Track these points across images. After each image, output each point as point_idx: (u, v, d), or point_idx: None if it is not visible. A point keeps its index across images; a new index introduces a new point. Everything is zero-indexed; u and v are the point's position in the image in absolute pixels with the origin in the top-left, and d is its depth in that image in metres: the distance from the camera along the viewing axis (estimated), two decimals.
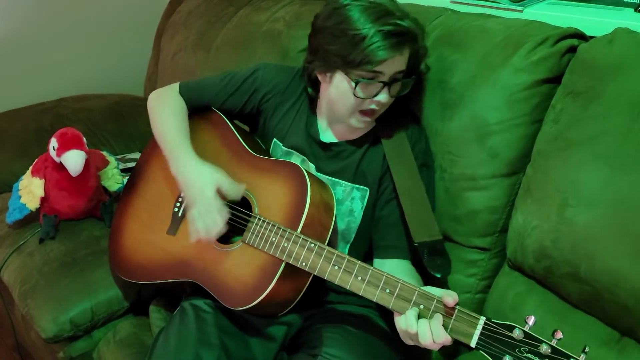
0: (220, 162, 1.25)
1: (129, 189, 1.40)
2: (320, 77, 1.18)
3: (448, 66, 1.24)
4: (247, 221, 1.14)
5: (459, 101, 1.21)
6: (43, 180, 1.51)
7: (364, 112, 1.14)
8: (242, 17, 1.82)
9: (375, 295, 0.97)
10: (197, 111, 1.33)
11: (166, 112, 1.30)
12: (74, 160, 1.44)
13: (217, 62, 1.76)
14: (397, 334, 0.97)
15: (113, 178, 1.64)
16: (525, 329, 0.85)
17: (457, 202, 1.22)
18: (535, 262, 1.11)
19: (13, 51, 2.18)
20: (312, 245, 1.05)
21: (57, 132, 1.48)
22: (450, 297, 0.90)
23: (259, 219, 1.12)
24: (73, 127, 1.51)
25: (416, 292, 0.94)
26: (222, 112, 1.32)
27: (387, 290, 0.96)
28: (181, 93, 1.33)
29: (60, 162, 1.47)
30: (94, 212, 1.62)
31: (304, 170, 1.14)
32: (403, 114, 1.24)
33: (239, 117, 1.34)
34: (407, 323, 0.91)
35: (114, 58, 2.44)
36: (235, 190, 1.15)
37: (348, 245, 1.24)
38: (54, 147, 1.47)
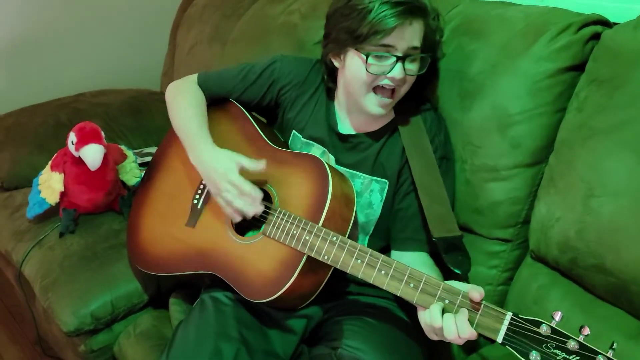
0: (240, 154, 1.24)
1: (146, 181, 1.40)
2: (335, 62, 1.18)
3: (467, 56, 1.22)
4: (267, 214, 1.14)
5: (478, 91, 1.19)
6: (62, 175, 1.52)
7: (381, 91, 1.12)
8: (257, 9, 1.82)
9: (399, 289, 0.96)
10: (216, 103, 1.33)
11: (185, 102, 1.30)
12: (92, 154, 1.45)
13: (233, 56, 1.76)
14: (418, 325, 0.96)
15: (131, 172, 1.65)
16: (552, 324, 0.83)
17: (478, 194, 1.21)
18: (560, 254, 1.09)
19: (31, 48, 2.19)
20: (335, 238, 1.04)
21: (76, 126, 1.49)
22: (476, 291, 0.88)
23: (280, 212, 1.11)
24: (90, 122, 1.51)
25: (441, 286, 0.93)
26: (241, 103, 1.32)
27: (412, 285, 0.95)
28: (199, 84, 1.32)
29: (79, 157, 1.48)
30: (112, 206, 1.62)
31: (325, 163, 1.13)
32: (421, 105, 1.23)
33: (257, 108, 1.34)
34: (432, 318, 0.90)
35: (130, 53, 2.45)
36: (256, 166, 1.14)
37: (367, 237, 1.24)
38: (72, 142, 1.47)
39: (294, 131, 1.28)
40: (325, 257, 1.04)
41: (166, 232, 1.29)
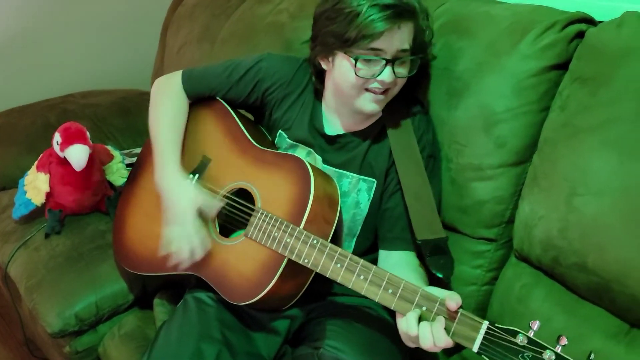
0: (223, 153, 1.24)
1: (132, 181, 1.39)
2: (323, 64, 1.16)
3: (454, 54, 1.21)
4: (250, 215, 1.13)
5: (464, 89, 1.18)
6: (48, 175, 1.51)
7: (372, 90, 1.10)
8: (246, 9, 1.81)
9: (377, 295, 0.95)
10: (201, 100, 1.32)
11: (164, 107, 1.29)
12: (77, 155, 1.44)
13: (222, 55, 1.74)
14: None
15: (118, 172, 1.64)
16: (529, 334, 0.82)
17: (463, 193, 1.20)
18: (542, 253, 1.09)
19: (20, 48, 2.18)
20: (315, 242, 1.03)
21: (61, 126, 1.48)
22: (453, 301, 0.87)
23: (262, 213, 1.10)
24: (77, 122, 1.50)
25: (419, 293, 0.91)
26: (226, 101, 1.30)
27: (390, 291, 0.94)
28: (184, 82, 1.31)
29: (65, 157, 1.47)
30: (99, 207, 1.62)
31: (307, 164, 1.12)
32: (410, 103, 1.22)
33: (244, 106, 1.32)
34: (408, 325, 0.89)
35: (120, 53, 2.43)
36: (211, 208, 1.16)
37: (354, 239, 1.23)
38: (57, 142, 1.46)
39: (280, 131, 1.27)
40: (306, 261, 1.03)
41: (151, 232, 1.28)
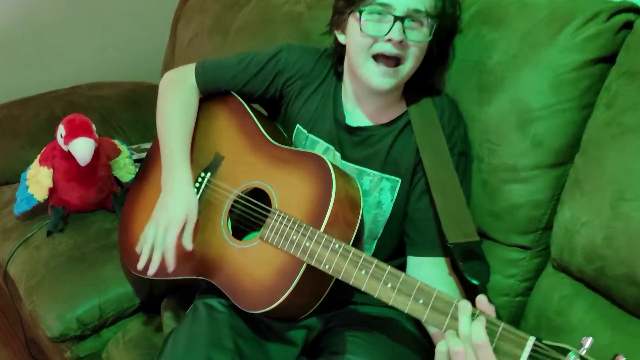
0: (237, 151, 1.19)
1: (140, 177, 1.34)
2: (340, 37, 1.12)
3: (486, 46, 1.14)
4: (266, 216, 1.07)
5: (497, 84, 1.11)
6: (51, 170, 1.47)
7: (383, 60, 1.04)
8: None
9: (407, 305, 0.87)
10: (214, 94, 1.27)
11: (174, 102, 1.24)
12: (82, 149, 1.39)
13: (235, 47, 1.68)
14: (427, 338, 0.90)
15: (125, 168, 1.59)
16: (581, 352, 0.74)
17: (495, 196, 1.12)
18: (585, 262, 1.01)
19: (25, 38, 2.15)
20: (337, 246, 0.96)
21: (65, 118, 1.44)
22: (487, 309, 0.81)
23: (279, 215, 1.04)
24: (82, 114, 1.46)
25: (454, 304, 0.83)
26: (241, 96, 1.24)
27: (421, 301, 0.86)
28: (197, 75, 1.26)
29: (69, 151, 1.42)
30: (104, 204, 1.57)
31: (328, 163, 1.06)
32: (437, 97, 1.15)
33: (259, 101, 1.27)
34: (450, 344, 0.81)
35: (129, 45, 2.40)
36: (186, 243, 1.12)
37: (375, 242, 1.16)
38: (61, 135, 1.42)
39: (298, 125, 1.21)
40: (327, 267, 0.96)
41: None
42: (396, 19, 1.00)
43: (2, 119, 1.85)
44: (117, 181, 1.59)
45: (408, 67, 1.06)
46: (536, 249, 1.13)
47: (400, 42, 1.01)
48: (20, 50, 2.16)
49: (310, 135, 1.19)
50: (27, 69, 2.17)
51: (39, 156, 1.52)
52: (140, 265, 1.13)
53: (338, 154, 1.16)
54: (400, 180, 1.12)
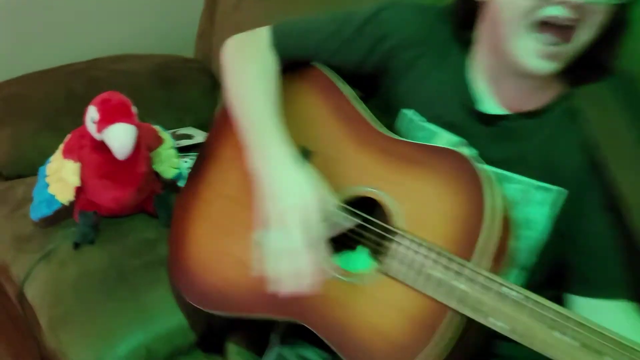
0: (333, 145, 1.01)
1: (196, 177, 1.17)
2: None
3: None
4: (384, 237, 0.89)
5: None
6: (79, 164, 1.27)
7: (546, 30, 0.82)
8: None
9: None
10: (293, 67, 1.09)
11: (251, 72, 1.06)
12: (121, 138, 1.19)
13: (305, 8, 1.46)
14: None
15: (168, 161, 1.39)
16: None
17: None
18: None
19: (38, 5, 1.98)
20: (507, 289, 0.76)
21: (97, 98, 1.22)
22: None
23: (408, 239, 0.86)
24: (118, 92, 1.24)
25: None
26: (330, 68, 1.07)
27: None
28: (275, 39, 1.10)
29: (102, 140, 1.22)
30: (145, 207, 1.37)
31: (474, 163, 0.86)
32: (610, 74, 0.91)
33: (352, 77, 1.08)
34: None
35: (155, 12, 2.23)
36: (338, 219, 0.93)
37: (524, 273, 0.94)
38: (93, 120, 1.20)
39: (404, 110, 1.01)
40: (492, 321, 0.77)
41: (226, 252, 1.05)
42: None
43: (11, 96, 1.69)
44: (158, 177, 1.39)
45: (582, 38, 0.83)
46: None
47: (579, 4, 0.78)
48: (33, 18, 1.99)
49: (427, 125, 0.99)
50: (40, 39, 2.02)
51: (61, 146, 1.32)
52: (274, 290, 0.90)
53: (474, 152, 0.95)
54: (560, 191, 0.91)
